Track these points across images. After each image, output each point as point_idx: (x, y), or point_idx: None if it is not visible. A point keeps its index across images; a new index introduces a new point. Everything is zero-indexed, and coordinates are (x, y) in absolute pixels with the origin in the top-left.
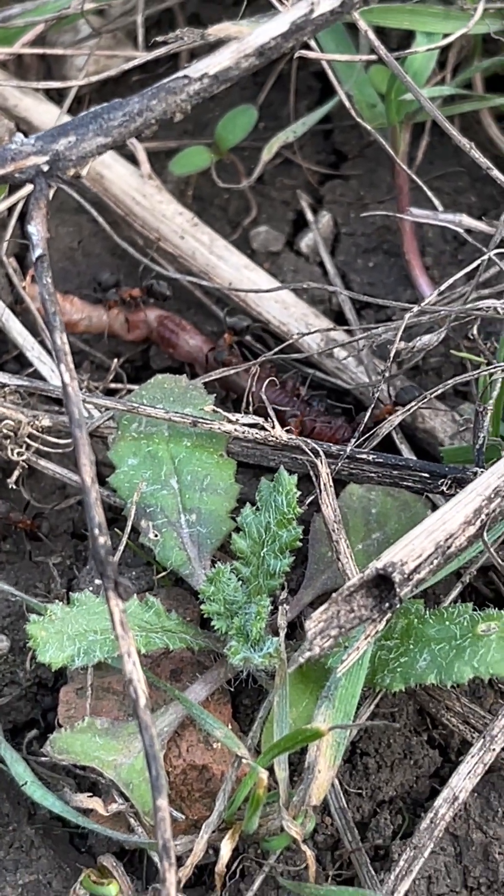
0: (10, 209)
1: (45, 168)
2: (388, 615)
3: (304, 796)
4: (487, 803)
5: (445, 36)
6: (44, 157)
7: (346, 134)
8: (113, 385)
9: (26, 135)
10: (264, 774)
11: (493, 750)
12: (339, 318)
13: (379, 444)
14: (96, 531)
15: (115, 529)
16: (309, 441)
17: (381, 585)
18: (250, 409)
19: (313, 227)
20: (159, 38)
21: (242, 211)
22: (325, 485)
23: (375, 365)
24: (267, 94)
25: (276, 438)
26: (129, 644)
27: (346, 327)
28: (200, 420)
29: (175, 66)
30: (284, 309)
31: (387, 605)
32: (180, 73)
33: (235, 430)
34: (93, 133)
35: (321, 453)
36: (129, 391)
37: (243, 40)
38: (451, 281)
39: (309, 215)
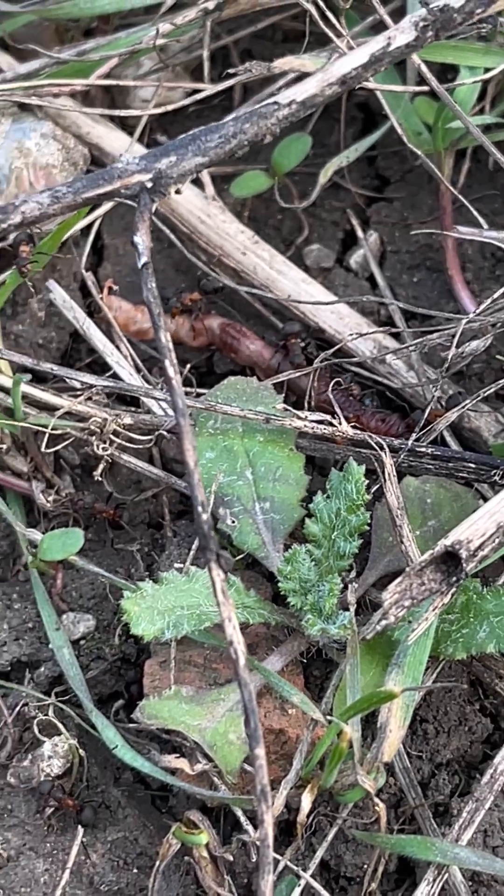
0: (86, 229)
1: (149, 185)
2: (454, 588)
3: (377, 753)
4: None
5: (486, 70)
6: (147, 175)
7: (388, 160)
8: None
9: (95, 161)
10: (348, 728)
11: None
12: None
13: (430, 442)
14: (199, 508)
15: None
16: (373, 436)
17: (449, 562)
18: (312, 407)
19: (364, 244)
20: (231, 71)
21: (295, 230)
22: (389, 475)
23: (425, 370)
24: (314, 124)
25: (343, 433)
26: (230, 609)
27: (396, 330)
28: (273, 416)
29: (229, 98)
30: (339, 319)
31: (454, 578)
32: (271, 100)
33: (305, 425)
34: (192, 153)
35: (385, 446)
36: (198, 394)
37: (327, 70)
38: (497, 294)
39: (360, 233)
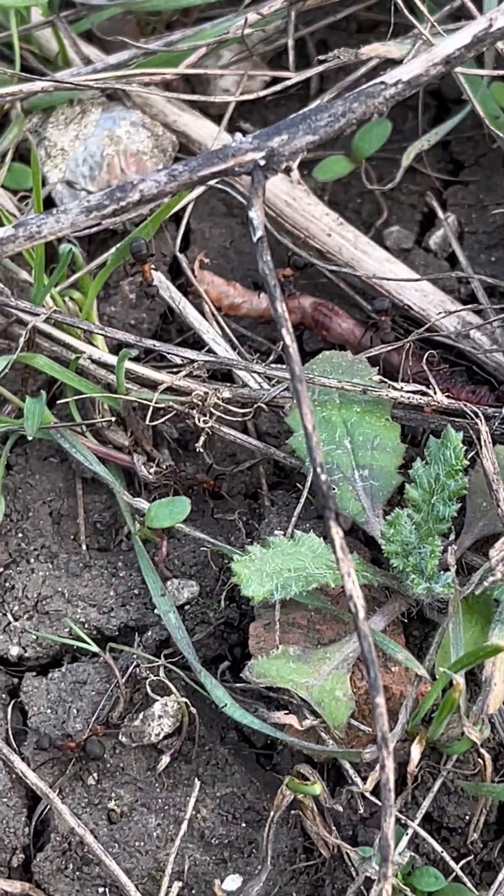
0: (174, 216)
1: (262, 162)
2: None
3: (483, 706)
4: None
5: None
6: (260, 153)
7: (462, 145)
8: (274, 367)
9: (182, 148)
10: (460, 679)
11: None
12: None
13: None
14: (318, 469)
15: (297, 485)
16: (469, 404)
17: None
18: (407, 380)
19: (444, 224)
20: (321, 57)
21: (374, 213)
22: (485, 441)
23: None
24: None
25: (438, 403)
26: (349, 565)
27: (480, 307)
28: (369, 388)
29: (306, 88)
30: (424, 297)
31: None
32: (377, 80)
33: (401, 395)
34: (303, 132)
35: (480, 414)
36: None
37: (431, 51)
38: None
39: (440, 213)
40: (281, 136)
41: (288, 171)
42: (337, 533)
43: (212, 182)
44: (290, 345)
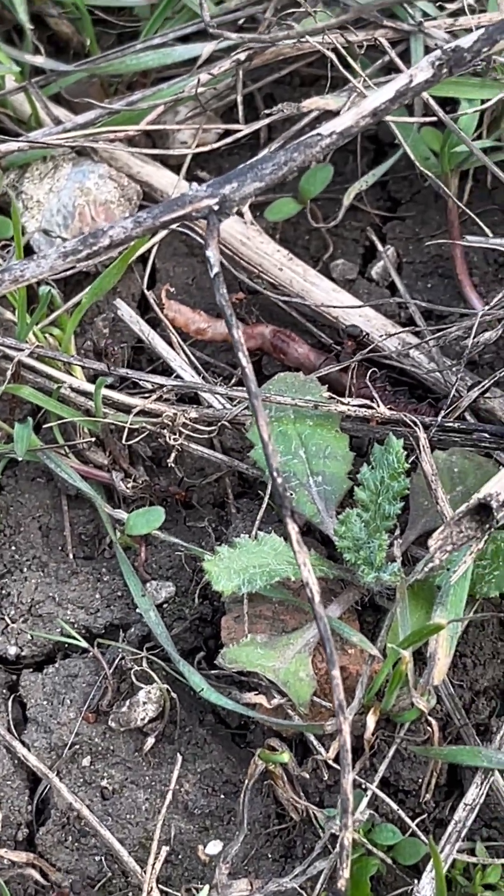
0: (141, 257)
1: (216, 208)
2: (487, 535)
3: (428, 678)
4: None
5: (483, 101)
6: (214, 200)
7: (398, 184)
8: (236, 388)
9: (146, 196)
10: (407, 654)
11: None
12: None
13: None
14: (275, 473)
15: (260, 493)
16: (409, 415)
17: (482, 512)
18: (353, 396)
19: (383, 256)
20: (267, 111)
21: (321, 248)
22: (423, 446)
23: (444, 361)
24: (331, 156)
25: (381, 415)
26: (305, 555)
27: (418, 329)
28: (320, 403)
29: (256, 137)
30: (367, 321)
31: (487, 526)
32: (314, 132)
33: (348, 409)
34: (251, 180)
35: (419, 423)
36: None
37: (360, 105)
38: (503, 294)
39: (379, 247)
40: (231, 184)
41: (240, 213)
42: (293, 528)
43: (173, 226)
44: (246, 366)
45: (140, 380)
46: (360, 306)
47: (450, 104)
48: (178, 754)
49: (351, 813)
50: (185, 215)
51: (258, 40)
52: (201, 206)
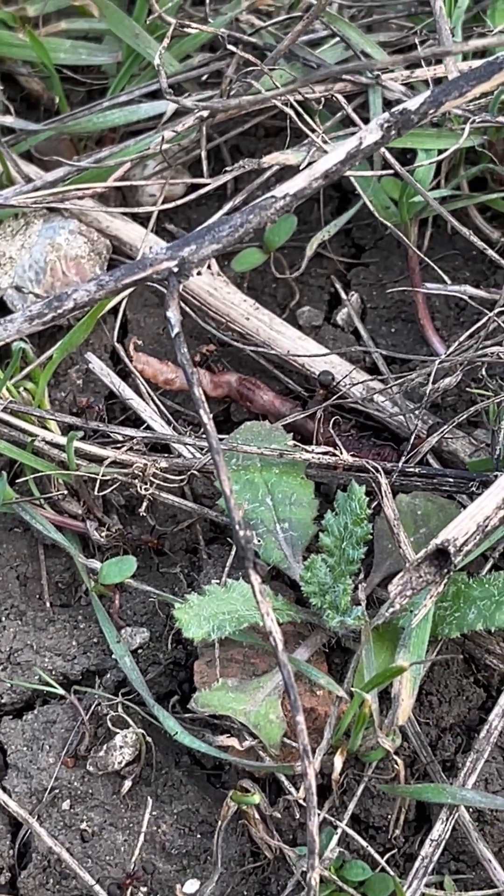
0: (113, 308)
1: (176, 269)
2: (446, 579)
3: (393, 718)
4: None
5: (440, 151)
6: (174, 262)
7: (362, 231)
8: (204, 437)
9: (116, 250)
10: (369, 697)
11: None
12: (372, 373)
13: (417, 464)
14: (237, 526)
15: (228, 538)
16: (370, 461)
17: (440, 557)
18: (320, 443)
19: (347, 304)
20: (228, 168)
21: (288, 296)
22: (385, 492)
23: (407, 405)
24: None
25: (344, 462)
26: (267, 605)
27: (382, 377)
28: (285, 451)
29: (224, 188)
30: (332, 368)
31: (445, 570)
32: (269, 195)
33: (313, 457)
34: (208, 242)
35: (381, 469)
36: (220, 438)
37: (313, 167)
38: (463, 337)
39: (343, 295)
40: (190, 247)
41: (199, 274)
42: (255, 579)
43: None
44: (207, 423)
45: (111, 432)
46: (324, 354)
47: (411, 153)
48: (150, 797)
49: (317, 853)
50: (146, 277)
51: (211, 107)
52: (161, 268)
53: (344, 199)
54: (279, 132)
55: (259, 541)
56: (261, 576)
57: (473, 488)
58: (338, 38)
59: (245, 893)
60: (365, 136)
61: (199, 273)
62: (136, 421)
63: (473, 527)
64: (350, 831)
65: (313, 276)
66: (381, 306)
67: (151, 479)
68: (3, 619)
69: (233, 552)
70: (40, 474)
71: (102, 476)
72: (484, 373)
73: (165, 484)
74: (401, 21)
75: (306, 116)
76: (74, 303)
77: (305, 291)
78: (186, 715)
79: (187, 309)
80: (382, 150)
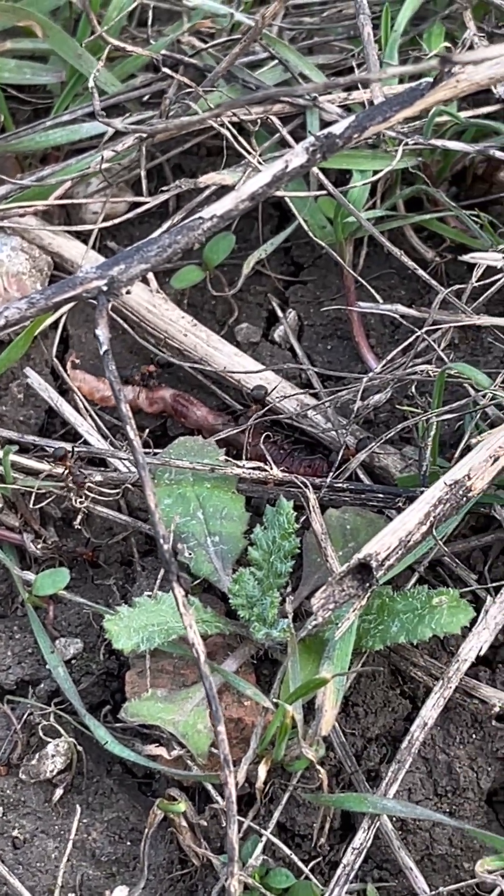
0: (54, 323)
1: (105, 288)
2: (369, 593)
3: (317, 729)
4: (448, 732)
5: (375, 172)
6: (103, 281)
7: (301, 249)
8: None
9: (57, 267)
10: (290, 709)
11: (450, 688)
12: (307, 389)
13: (346, 479)
14: (161, 541)
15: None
16: (299, 477)
17: (363, 571)
18: (249, 457)
19: (283, 321)
20: (164, 188)
21: (226, 313)
22: (313, 507)
23: (339, 420)
24: (238, 223)
25: (274, 477)
26: (191, 618)
27: (314, 391)
28: (216, 466)
29: (166, 205)
30: (268, 384)
31: (367, 584)
32: (196, 216)
33: (243, 472)
34: (137, 262)
35: (308, 485)
36: (155, 452)
37: (239, 189)
38: (392, 355)
39: (279, 313)
40: (119, 266)
41: (128, 293)
42: (179, 592)
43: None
44: (133, 438)
45: (47, 446)
46: (260, 370)
47: (349, 173)
48: (81, 805)
49: (237, 860)
50: (77, 296)
51: (142, 130)
52: (91, 286)
53: (283, 217)
54: (220, 151)
55: (190, 554)
56: (185, 589)
57: (400, 503)
58: (276, 61)
59: None
60: (291, 160)
61: (128, 292)
62: (76, 436)
63: (396, 542)
64: (275, 839)
65: (252, 293)
66: (318, 323)
67: (86, 492)
68: None
69: None
70: None
71: (38, 489)
72: (414, 390)
73: (101, 497)
74: (342, 43)
75: (241, 138)
76: (6, 320)
77: (244, 308)
78: (118, 724)
79: (125, 325)
80: (316, 170)
